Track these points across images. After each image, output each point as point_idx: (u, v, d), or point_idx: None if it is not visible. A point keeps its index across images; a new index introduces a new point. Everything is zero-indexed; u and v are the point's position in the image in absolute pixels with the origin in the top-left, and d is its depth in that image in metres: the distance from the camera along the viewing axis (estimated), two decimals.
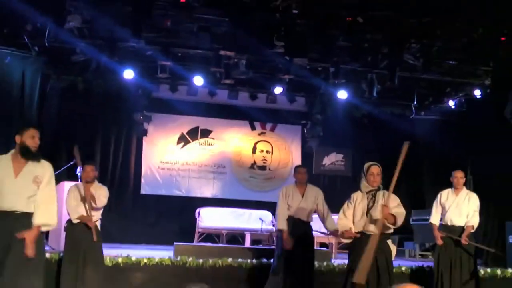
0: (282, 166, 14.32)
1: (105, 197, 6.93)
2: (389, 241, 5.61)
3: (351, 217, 5.64)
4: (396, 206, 5.48)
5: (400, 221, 5.47)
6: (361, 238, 5.50)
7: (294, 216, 7.29)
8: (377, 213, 5.44)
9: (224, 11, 8.45)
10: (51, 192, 4.86)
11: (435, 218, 7.78)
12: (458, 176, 7.60)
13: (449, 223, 7.57)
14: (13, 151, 4.82)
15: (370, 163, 5.78)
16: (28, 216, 4.70)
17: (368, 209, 5.56)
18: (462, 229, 7.45)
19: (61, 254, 7.28)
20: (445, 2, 8.45)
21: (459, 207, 7.55)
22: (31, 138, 4.76)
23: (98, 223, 7.01)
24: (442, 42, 9.70)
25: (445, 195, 7.72)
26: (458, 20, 8.72)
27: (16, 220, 4.67)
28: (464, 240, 7.26)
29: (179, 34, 9.83)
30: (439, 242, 7.54)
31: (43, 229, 4.73)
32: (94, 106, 12.79)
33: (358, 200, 5.67)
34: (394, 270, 8.39)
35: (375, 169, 5.62)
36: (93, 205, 5.85)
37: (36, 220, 4.66)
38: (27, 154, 4.75)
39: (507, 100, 9.70)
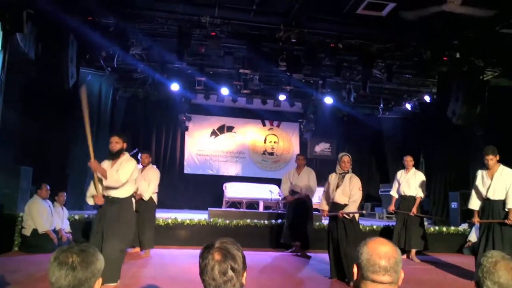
0: (285, 152, 14.28)
1: (153, 177, 6.93)
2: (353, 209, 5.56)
3: (328, 193, 5.79)
4: (355, 196, 5.47)
5: (354, 207, 5.48)
6: (334, 205, 5.60)
7: (293, 189, 7.56)
8: (344, 189, 5.52)
9: (242, 40, 8.40)
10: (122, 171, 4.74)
11: (393, 192, 7.87)
12: (408, 159, 7.74)
13: (402, 194, 7.64)
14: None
15: (343, 153, 5.83)
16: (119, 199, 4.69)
17: (338, 186, 5.59)
18: (412, 198, 7.50)
19: None
20: (402, 32, 8.34)
21: (409, 182, 7.60)
22: (110, 143, 4.81)
23: (154, 196, 6.99)
24: (400, 61, 9.59)
25: (399, 174, 7.81)
26: (411, 45, 8.60)
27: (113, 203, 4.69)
28: (412, 213, 7.35)
29: (210, 57, 9.81)
30: (390, 209, 7.78)
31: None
32: (150, 109, 12.89)
33: (332, 179, 5.75)
34: (367, 228, 8.45)
35: (346, 158, 5.65)
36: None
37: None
38: (109, 154, 4.85)
39: (448, 104, 9.55)
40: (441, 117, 10.20)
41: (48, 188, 7.09)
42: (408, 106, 12.55)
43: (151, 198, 6.91)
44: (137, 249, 6.86)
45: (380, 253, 1.63)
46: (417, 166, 13.13)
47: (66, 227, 7.51)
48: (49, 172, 8.31)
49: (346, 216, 5.37)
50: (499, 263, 1.80)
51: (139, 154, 7.16)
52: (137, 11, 7.80)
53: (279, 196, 11.64)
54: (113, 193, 4.72)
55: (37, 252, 6.52)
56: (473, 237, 8.34)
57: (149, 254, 6.83)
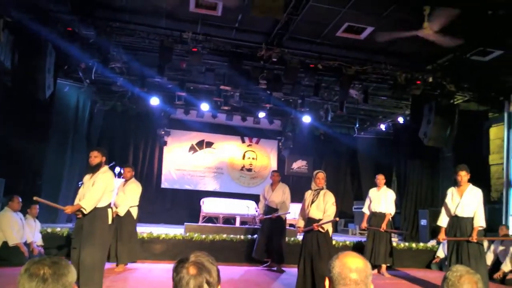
0: (263, 169, 14.29)
1: (131, 191, 6.91)
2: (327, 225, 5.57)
3: (303, 210, 5.76)
4: (329, 210, 5.47)
5: (328, 218, 5.47)
6: (309, 220, 5.61)
7: (268, 204, 7.71)
8: (318, 204, 5.53)
9: (224, 57, 8.46)
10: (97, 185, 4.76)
11: (365, 209, 8.04)
12: (379, 178, 7.96)
13: (373, 210, 7.83)
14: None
15: (318, 170, 5.84)
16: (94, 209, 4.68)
17: (312, 201, 5.61)
18: (383, 214, 7.68)
19: None
20: (378, 55, 8.55)
21: (379, 199, 7.80)
22: (89, 158, 4.88)
23: (133, 210, 6.93)
24: (376, 83, 9.79)
25: (371, 191, 8.01)
26: (387, 68, 8.81)
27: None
28: (382, 229, 7.54)
29: (191, 73, 9.84)
30: (363, 226, 7.93)
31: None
32: (128, 123, 12.72)
33: (308, 195, 5.76)
34: (341, 244, 8.51)
35: (321, 175, 5.67)
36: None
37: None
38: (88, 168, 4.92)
39: (420, 125, 9.78)
40: (413, 138, 10.43)
41: (20, 200, 6.90)
42: (382, 126, 12.79)
43: (129, 213, 6.82)
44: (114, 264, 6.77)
45: (351, 266, 1.66)
46: (389, 184, 13.34)
47: (38, 240, 7.30)
48: (21, 184, 8.05)
49: (321, 229, 5.38)
50: (463, 277, 1.85)
51: (121, 169, 7.11)
52: (118, 24, 7.77)
53: (256, 211, 11.63)
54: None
55: (7, 265, 6.30)
56: (440, 253, 8.52)
57: (123, 268, 6.68)
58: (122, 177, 7.12)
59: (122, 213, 6.72)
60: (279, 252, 7.38)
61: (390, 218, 7.75)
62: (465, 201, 5.66)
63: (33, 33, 7.09)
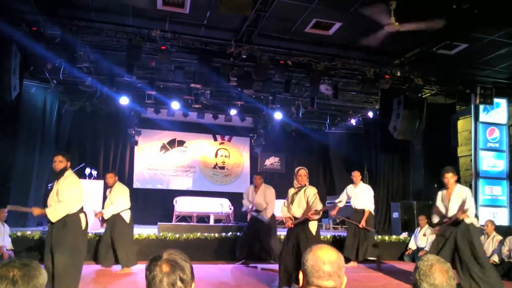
0: (236, 166, 14.29)
1: (115, 195, 6.88)
2: (311, 223, 5.57)
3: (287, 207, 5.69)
4: (313, 200, 5.43)
5: (319, 207, 5.41)
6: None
7: (253, 206, 7.68)
8: (300, 202, 5.50)
9: (193, 55, 8.39)
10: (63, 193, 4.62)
11: (338, 201, 8.23)
12: (356, 174, 8.13)
13: (353, 207, 8.04)
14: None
15: (300, 167, 5.70)
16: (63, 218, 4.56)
17: (293, 200, 5.56)
18: (362, 210, 7.85)
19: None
20: (347, 51, 8.66)
21: (358, 197, 7.95)
22: (53, 162, 4.69)
23: (125, 214, 6.95)
24: (346, 78, 9.92)
25: (349, 188, 8.17)
26: (355, 63, 8.93)
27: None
28: (361, 225, 7.73)
29: (161, 71, 9.71)
30: (332, 213, 8.56)
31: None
32: (98, 123, 12.51)
33: (290, 193, 5.70)
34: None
35: (303, 172, 5.58)
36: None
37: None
38: (53, 174, 4.77)
39: (390, 119, 9.97)
40: (383, 132, 10.64)
41: None
42: (353, 121, 12.98)
43: (120, 217, 6.80)
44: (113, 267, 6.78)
45: (324, 259, 1.68)
46: (361, 178, 13.54)
47: (7, 244, 7.09)
48: None
49: (311, 218, 5.34)
50: (434, 266, 1.90)
51: (91, 170, 7.01)
52: (84, 22, 7.60)
53: (230, 209, 11.64)
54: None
55: None
56: (412, 245, 8.75)
57: (130, 271, 6.64)
58: (108, 184, 7.05)
59: (106, 216, 6.73)
60: (269, 250, 7.39)
61: (370, 214, 7.91)
62: (453, 203, 5.62)
63: None
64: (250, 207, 7.67)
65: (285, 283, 5.48)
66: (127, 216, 6.93)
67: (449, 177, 5.62)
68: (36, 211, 4.64)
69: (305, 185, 5.56)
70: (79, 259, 4.70)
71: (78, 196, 4.66)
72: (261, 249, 7.47)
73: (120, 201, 6.88)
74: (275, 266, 6.13)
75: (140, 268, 6.83)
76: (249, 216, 7.98)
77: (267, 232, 7.46)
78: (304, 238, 5.35)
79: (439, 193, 5.93)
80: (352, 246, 7.73)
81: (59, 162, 4.66)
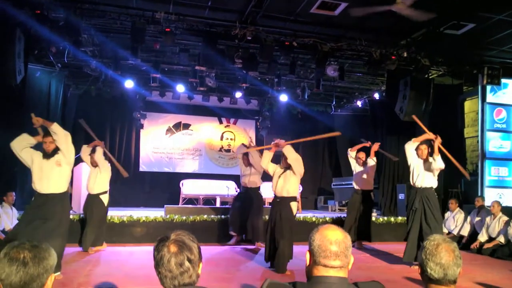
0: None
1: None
2: (292, 203, 5.77)
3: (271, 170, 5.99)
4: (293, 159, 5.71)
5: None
6: (275, 197, 5.90)
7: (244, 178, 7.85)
8: (286, 180, 5.75)
9: (198, 37, 8.33)
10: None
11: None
12: (360, 156, 8.25)
13: (356, 187, 8.10)
14: None
15: None
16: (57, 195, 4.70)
17: (279, 178, 5.82)
18: (362, 191, 7.96)
19: (81, 215, 7.14)
20: (353, 31, 8.56)
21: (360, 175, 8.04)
22: (44, 143, 4.87)
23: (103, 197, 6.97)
24: (351, 60, 9.84)
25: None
26: (361, 44, 8.84)
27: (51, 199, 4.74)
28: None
29: (165, 54, 9.68)
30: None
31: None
32: (103, 107, 12.49)
33: (278, 170, 5.93)
34: (320, 220, 8.67)
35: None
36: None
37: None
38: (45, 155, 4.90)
39: (396, 101, 9.91)
40: (389, 113, 10.58)
41: None
42: (359, 103, 12.91)
43: (99, 199, 6.88)
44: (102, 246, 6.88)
45: (331, 239, 1.68)
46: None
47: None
48: None
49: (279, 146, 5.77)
50: (440, 246, 1.91)
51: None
52: (87, 5, 7.56)
53: (236, 191, 11.70)
54: (50, 190, 4.79)
55: None
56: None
57: (93, 251, 6.72)
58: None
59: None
60: (256, 230, 7.45)
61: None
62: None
63: (0, 19, 6.87)
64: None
65: (268, 258, 5.70)
66: (105, 199, 6.98)
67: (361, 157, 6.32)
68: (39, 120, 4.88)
69: (290, 166, 5.76)
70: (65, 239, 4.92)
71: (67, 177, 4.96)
72: (251, 228, 7.54)
73: (103, 183, 6.96)
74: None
75: (120, 249, 7.02)
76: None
77: (256, 212, 7.56)
78: (285, 217, 5.62)
79: None
80: (351, 228, 7.76)
81: (50, 143, 4.73)
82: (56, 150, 4.80)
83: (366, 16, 7.54)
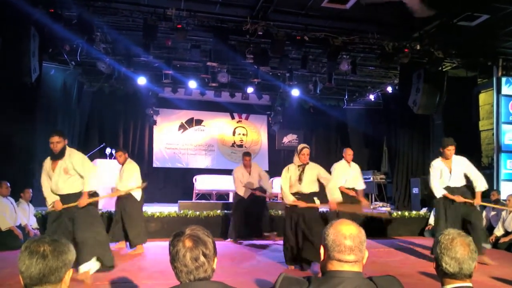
0: (254, 144, 14.33)
1: (127, 173, 6.76)
2: (315, 198, 5.68)
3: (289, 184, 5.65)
4: (325, 177, 5.61)
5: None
6: (300, 195, 5.59)
7: (247, 188, 7.74)
8: (312, 178, 5.57)
9: (209, 33, 8.34)
10: (84, 168, 4.77)
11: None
12: (348, 153, 7.46)
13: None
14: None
15: (303, 145, 5.73)
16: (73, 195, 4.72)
17: (300, 178, 5.58)
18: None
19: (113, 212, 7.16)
20: (365, 25, 8.49)
21: (351, 175, 7.40)
22: (51, 144, 4.65)
23: (135, 192, 6.78)
24: (364, 53, 9.76)
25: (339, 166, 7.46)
26: (374, 37, 8.76)
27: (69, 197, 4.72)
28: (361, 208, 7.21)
29: (177, 50, 9.71)
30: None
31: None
32: (117, 104, 12.62)
33: (292, 170, 5.68)
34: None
35: (306, 151, 5.63)
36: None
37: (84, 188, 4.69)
38: (52, 156, 4.75)
39: (409, 94, 9.82)
40: (402, 107, 10.48)
41: (8, 185, 6.93)
42: (371, 97, 12.81)
43: (131, 196, 6.65)
44: (122, 243, 6.84)
45: (345, 233, 1.69)
46: (380, 154, 13.45)
47: (33, 223, 7.34)
48: (13, 169, 8.04)
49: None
50: (455, 240, 1.89)
51: (111, 150, 7.04)
52: (100, 3, 7.61)
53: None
54: (64, 191, 4.80)
55: (2, 249, 6.33)
56: (433, 220, 8.62)
57: (142, 249, 6.64)
58: (118, 163, 7.02)
59: (122, 191, 6.67)
60: (266, 222, 7.62)
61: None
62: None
63: (15, 17, 6.96)
64: (244, 190, 7.68)
65: (291, 260, 5.57)
66: (138, 195, 6.74)
67: (452, 149, 5.84)
68: (83, 202, 4.69)
69: (307, 163, 5.61)
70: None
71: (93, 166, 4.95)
72: (260, 223, 7.66)
73: (132, 179, 6.74)
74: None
75: (161, 245, 7.00)
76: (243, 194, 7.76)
77: (263, 207, 7.68)
78: (311, 217, 5.45)
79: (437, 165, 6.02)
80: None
81: (57, 143, 4.62)
82: (63, 151, 4.68)
83: (378, 9, 7.47)
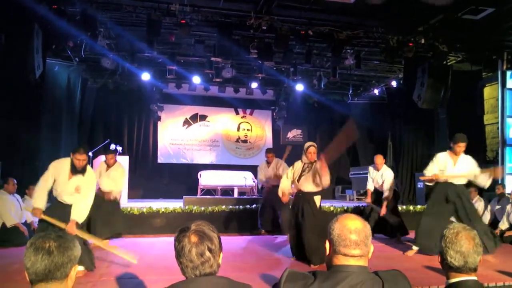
0: (258, 139, 14.33)
1: (117, 176, 6.76)
2: (316, 197, 5.60)
3: (291, 179, 5.73)
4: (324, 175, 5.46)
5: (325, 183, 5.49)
6: (299, 193, 5.63)
7: (268, 180, 7.96)
8: (314, 178, 5.50)
9: (213, 28, 8.33)
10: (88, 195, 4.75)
11: (369, 185, 7.66)
12: (378, 161, 7.46)
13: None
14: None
15: (309, 143, 5.75)
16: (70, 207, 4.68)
17: (302, 175, 5.59)
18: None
19: None
20: (369, 19, 8.44)
21: (376, 180, 7.51)
22: (77, 160, 4.60)
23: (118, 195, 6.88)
24: (368, 47, 9.71)
25: (371, 170, 7.62)
26: (378, 31, 8.72)
27: (68, 208, 4.65)
28: (381, 214, 7.21)
29: (181, 46, 9.71)
30: (367, 201, 7.55)
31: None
32: (121, 100, 12.66)
33: (298, 167, 5.70)
34: (339, 209, 8.62)
35: (312, 149, 5.64)
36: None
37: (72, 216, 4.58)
38: (74, 170, 4.67)
39: (414, 88, 9.77)
40: (407, 101, 10.44)
41: (15, 182, 6.98)
42: (376, 91, 12.77)
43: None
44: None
45: (351, 228, 1.68)
46: (385, 149, 13.39)
47: (38, 219, 7.36)
48: (19, 166, 8.10)
49: None
50: (460, 234, 1.90)
51: (116, 146, 7.05)
52: None
53: (254, 182, 11.72)
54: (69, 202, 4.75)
55: (8, 246, 6.38)
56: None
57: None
58: (109, 164, 6.91)
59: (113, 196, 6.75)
60: (280, 222, 7.60)
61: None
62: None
63: (19, 14, 6.96)
64: (265, 181, 7.99)
65: (295, 253, 5.63)
66: (119, 196, 6.96)
67: (463, 146, 5.76)
68: (70, 229, 4.46)
69: (315, 161, 5.58)
70: None
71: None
72: (274, 220, 7.74)
73: (121, 183, 6.92)
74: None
75: (140, 240, 7.04)
76: (266, 189, 8.12)
77: (280, 205, 7.59)
78: (309, 212, 5.44)
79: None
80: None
81: (83, 160, 4.64)
82: (85, 169, 4.68)
83: (383, 3, 7.42)
